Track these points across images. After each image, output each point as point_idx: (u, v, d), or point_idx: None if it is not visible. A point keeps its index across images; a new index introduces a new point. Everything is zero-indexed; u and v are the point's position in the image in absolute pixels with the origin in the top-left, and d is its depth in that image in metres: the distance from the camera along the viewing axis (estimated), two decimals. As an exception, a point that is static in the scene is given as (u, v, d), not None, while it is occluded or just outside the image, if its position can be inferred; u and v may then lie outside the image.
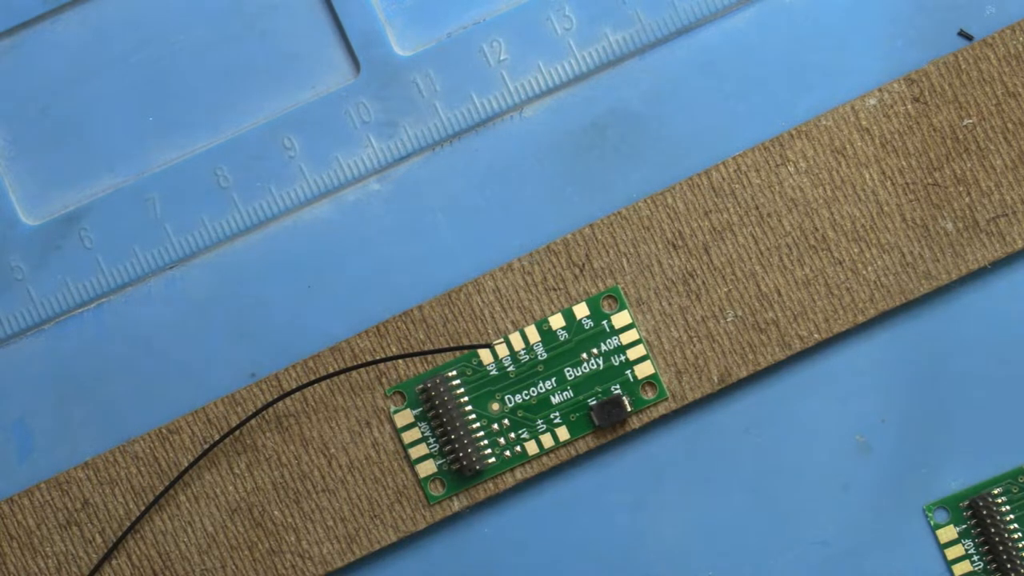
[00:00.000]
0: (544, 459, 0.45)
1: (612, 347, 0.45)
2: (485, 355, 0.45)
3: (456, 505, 0.45)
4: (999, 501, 0.44)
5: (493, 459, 0.45)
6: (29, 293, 0.46)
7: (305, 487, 0.45)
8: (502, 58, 0.46)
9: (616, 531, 0.45)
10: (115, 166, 0.47)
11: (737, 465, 0.45)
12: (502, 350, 0.45)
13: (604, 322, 0.45)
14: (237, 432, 0.45)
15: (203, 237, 0.46)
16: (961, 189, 0.45)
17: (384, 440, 0.45)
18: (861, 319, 0.45)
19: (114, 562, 0.45)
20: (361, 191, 0.47)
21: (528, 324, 0.45)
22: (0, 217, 0.47)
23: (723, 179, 0.45)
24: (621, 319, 0.45)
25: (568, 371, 0.45)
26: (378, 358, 0.45)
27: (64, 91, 0.47)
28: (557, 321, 0.45)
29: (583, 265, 0.45)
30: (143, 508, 0.45)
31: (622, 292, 0.45)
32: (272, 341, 0.46)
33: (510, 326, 0.45)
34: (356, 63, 0.47)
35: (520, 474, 0.45)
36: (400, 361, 0.45)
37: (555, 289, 0.45)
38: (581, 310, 0.45)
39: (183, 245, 0.46)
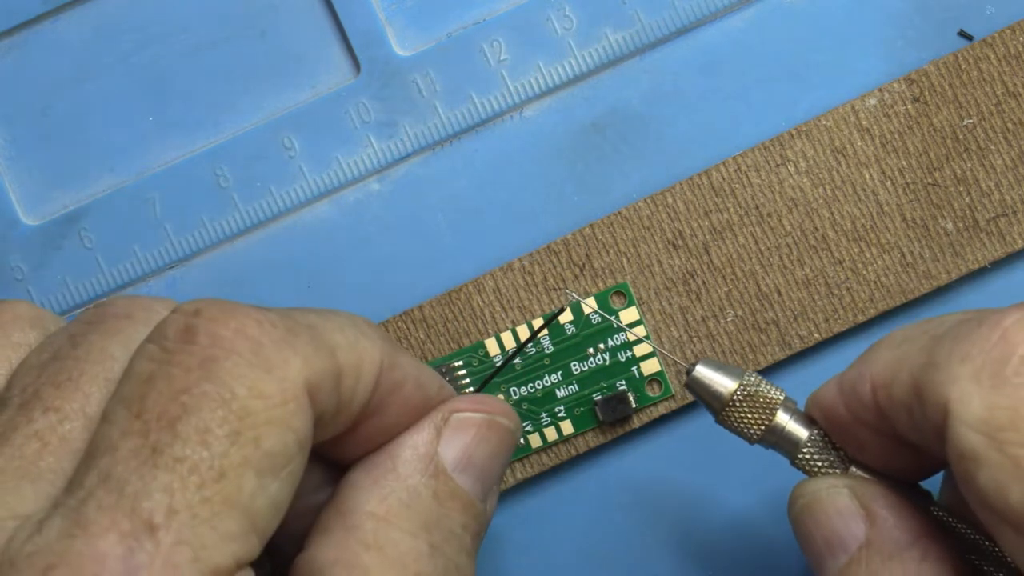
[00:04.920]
0: (544, 458, 0.45)
1: (619, 343, 0.45)
2: (492, 346, 0.45)
3: (457, 504, 0.45)
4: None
5: (497, 451, 0.45)
6: (29, 293, 0.46)
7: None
8: (502, 58, 0.46)
9: (616, 531, 0.45)
10: (115, 166, 0.47)
11: (737, 464, 0.45)
12: (509, 342, 0.45)
13: (612, 317, 0.45)
14: (237, 432, 0.45)
15: (203, 237, 0.46)
16: (961, 189, 0.45)
17: (384, 440, 0.45)
18: (861, 319, 0.45)
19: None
20: (361, 191, 0.47)
21: (536, 317, 0.45)
22: (0, 217, 0.47)
23: (723, 179, 0.45)
24: (629, 315, 0.45)
25: (574, 365, 0.45)
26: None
27: (64, 91, 0.47)
28: (565, 315, 0.45)
29: (583, 265, 0.45)
30: (143, 508, 0.45)
31: (631, 288, 0.45)
32: (272, 341, 0.46)
33: (510, 326, 0.45)
34: (356, 63, 0.47)
35: (520, 473, 0.45)
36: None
37: (555, 289, 0.45)
38: (589, 305, 0.45)
39: (183, 245, 0.46)
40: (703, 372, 0.39)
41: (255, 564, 0.33)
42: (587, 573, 0.45)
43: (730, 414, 0.38)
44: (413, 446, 0.37)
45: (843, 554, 0.36)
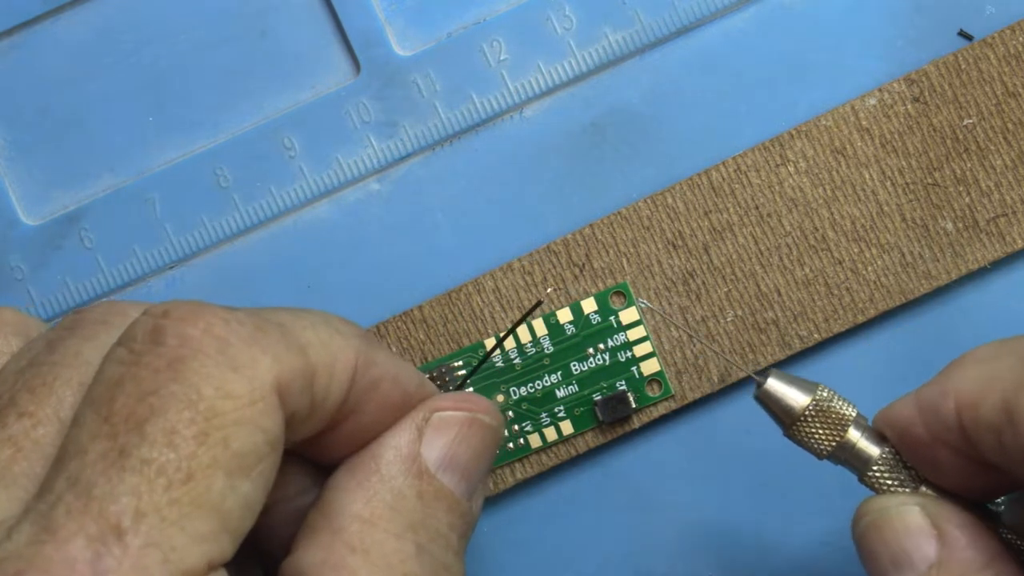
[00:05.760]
0: (544, 458, 0.45)
1: (619, 343, 0.45)
2: (491, 346, 0.45)
3: (457, 505, 0.45)
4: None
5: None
6: (29, 293, 0.46)
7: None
8: (502, 58, 0.46)
9: (617, 530, 0.45)
10: (115, 166, 0.47)
11: (737, 465, 0.45)
12: (509, 343, 0.45)
13: (612, 317, 0.45)
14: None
15: (203, 237, 0.46)
16: (961, 189, 0.45)
17: (384, 440, 0.45)
18: (861, 319, 0.45)
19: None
20: (361, 191, 0.47)
21: (536, 318, 0.45)
22: (0, 217, 0.47)
23: (723, 179, 0.45)
24: (629, 315, 0.45)
25: (574, 365, 0.45)
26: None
27: (64, 91, 0.47)
28: (564, 315, 0.45)
29: (583, 265, 0.45)
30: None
31: (631, 288, 0.45)
32: (272, 341, 0.46)
33: (510, 326, 0.45)
34: (356, 63, 0.47)
35: (520, 473, 0.45)
36: (405, 353, 0.45)
37: (555, 289, 0.45)
38: (589, 305, 0.45)
39: (183, 245, 0.46)
40: (775, 385, 0.38)
41: (243, 569, 0.32)
42: (587, 573, 0.45)
43: (800, 429, 0.38)
44: (396, 447, 0.37)
45: (911, 573, 0.35)
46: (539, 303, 0.43)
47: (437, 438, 0.37)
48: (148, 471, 0.31)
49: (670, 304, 0.45)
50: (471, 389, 0.45)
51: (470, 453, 0.38)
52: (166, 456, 0.31)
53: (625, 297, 0.45)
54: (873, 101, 0.45)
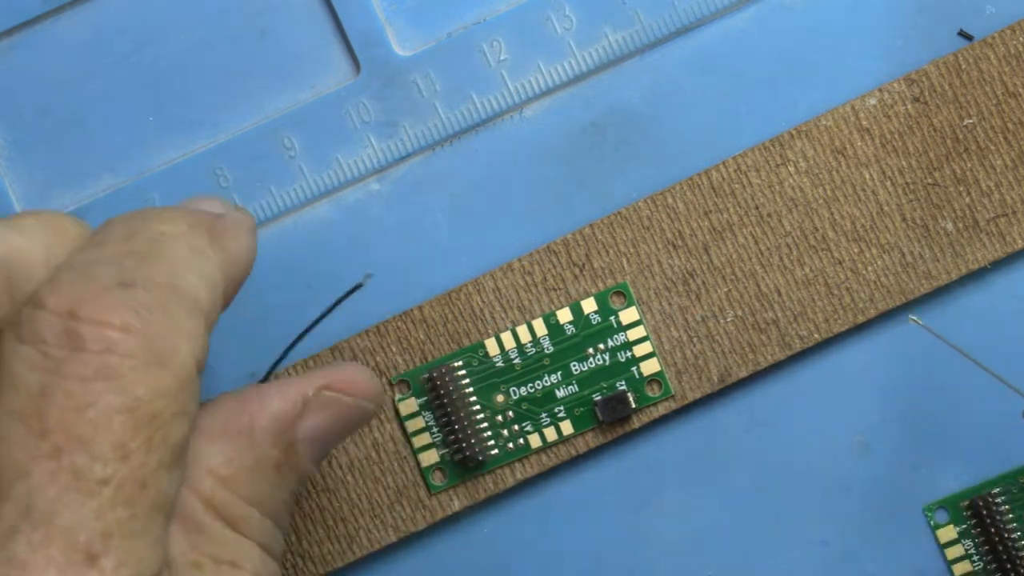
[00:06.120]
0: (544, 458, 0.45)
1: (619, 343, 0.45)
2: (492, 346, 0.45)
3: (456, 504, 0.45)
4: (999, 501, 0.44)
5: (496, 450, 0.45)
6: (29, 293, 0.46)
7: (305, 487, 0.45)
8: (502, 58, 0.46)
9: (617, 530, 0.45)
10: (115, 166, 0.47)
11: (737, 465, 0.45)
12: (509, 343, 0.45)
13: (612, 317, 0.45)
14: (237, 432, 0.45)
15: (203, 237, 0.46)
16: (961, 189, 0.45)
17: (384, 440, 0.45)
18: (861, 319, 0.45)
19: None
20: (361, 191, 0.47)
21: (536, 318, 0.45)
22: (0, 217, 0.47)
23: (723, 179, 0.45)
24: (629, 315, 0.45)
25: (574, 365, 0.45)
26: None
27: (64, 91, 0.47)
28: (564, 315, 0.45)
29: (583, 265, 0.45)
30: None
31: (631, 288, 0.45)
32: (272, 341, 0.46)
33: (510, 326, 0.45)
34: (356, 63, 0.47)
35: (520, 473, 0.45)
36: (405, 352, 0.45)
37: (555, 289, 0.45)
38: (589, 305, 0.45)
39: (183, 245, 0.46)
40: None
41: None
42: (586, 573, 0.45)
43: None
44: (275, 416, 0.36)
45: None
46: (359, 285, 0.41)
47: (316, 415, 0.37)
48: (107, 491, 0.30)
49: (670, 304, 0.45)
50: (471, 388, 0.45)
51: (338, 433, 0.37)
52: (121, 472, 0.31)
53: (625, 297, 0.45)
54: (873, 101, 0.45)
